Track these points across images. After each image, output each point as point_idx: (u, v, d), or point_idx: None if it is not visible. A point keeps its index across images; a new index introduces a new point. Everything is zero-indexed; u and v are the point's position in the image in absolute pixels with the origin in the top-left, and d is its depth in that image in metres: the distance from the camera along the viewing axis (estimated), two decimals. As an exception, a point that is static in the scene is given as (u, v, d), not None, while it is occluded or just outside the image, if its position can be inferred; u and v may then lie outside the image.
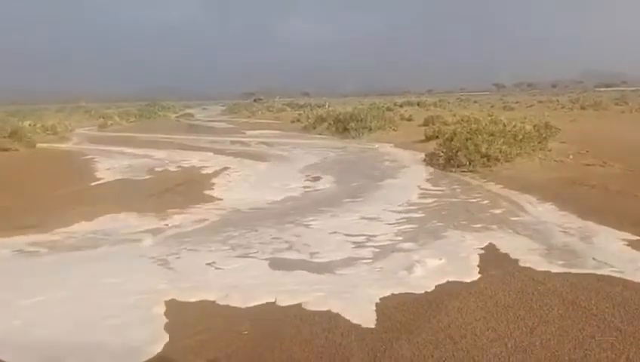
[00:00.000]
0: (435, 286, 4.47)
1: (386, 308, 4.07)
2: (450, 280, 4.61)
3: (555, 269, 4.82)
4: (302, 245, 5.98)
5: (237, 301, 4.30)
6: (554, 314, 3.84)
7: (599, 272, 4.68)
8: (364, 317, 3.91)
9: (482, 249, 5.51)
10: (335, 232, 6.52)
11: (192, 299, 4.41)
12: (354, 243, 5.99)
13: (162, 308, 4.21)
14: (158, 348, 3.57)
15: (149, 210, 8.01)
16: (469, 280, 4.60)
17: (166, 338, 3.71)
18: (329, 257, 5.48)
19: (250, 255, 5.67)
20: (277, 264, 5.34)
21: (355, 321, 3.84)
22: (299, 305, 4.17)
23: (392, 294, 4.33)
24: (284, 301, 4.26)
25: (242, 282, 4.80)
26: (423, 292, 4.37)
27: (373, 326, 3.76)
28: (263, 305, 4.23)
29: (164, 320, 4.02)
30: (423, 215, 7.32)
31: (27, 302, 4.40)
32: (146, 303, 4.30)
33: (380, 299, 4.23)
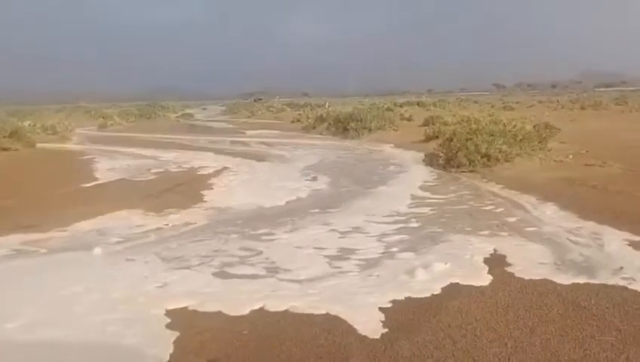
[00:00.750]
0: (440, 284, 4.53)
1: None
2: (453, 282, 4.62)
3: (554, 271, 4.81)
4: (312, 250, 5.88)
5: (238, 303, 4.31)
6: (554, 314, 3.84)
7: (598, 273, 4.68)
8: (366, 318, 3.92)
9: (482, 250, 5.49)
10: (353, 226, 6.66)
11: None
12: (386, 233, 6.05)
13: (161, 311, 4.20)
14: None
15: (149, 210, 8.04)
16: (469, 280, 4.61)
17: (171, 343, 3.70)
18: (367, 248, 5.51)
19: (247, 260, 5.66)
20: (274, 270, 5.30)
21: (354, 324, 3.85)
22: (295, 309, 4.16)
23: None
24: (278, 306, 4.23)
25: (241, 282, 4.81)
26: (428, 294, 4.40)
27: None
28: (262, 307, 4.22)
29: (164, 320, 4.02)
30: (419, 223, 7.30)
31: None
32: (142, 308, 4.27)
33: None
